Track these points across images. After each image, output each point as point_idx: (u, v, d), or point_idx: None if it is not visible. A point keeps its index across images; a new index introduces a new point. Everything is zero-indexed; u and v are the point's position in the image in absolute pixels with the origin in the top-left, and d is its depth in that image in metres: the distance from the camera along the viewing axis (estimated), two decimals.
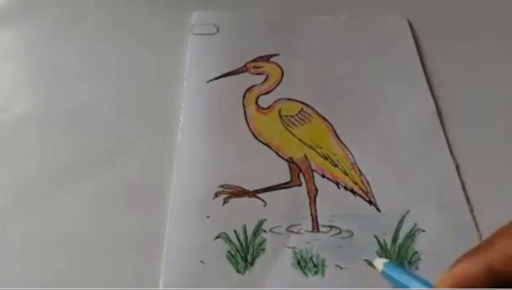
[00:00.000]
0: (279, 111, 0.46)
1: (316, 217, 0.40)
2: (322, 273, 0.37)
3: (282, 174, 0.43)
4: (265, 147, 0.44)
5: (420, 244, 0.39)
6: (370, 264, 0.37)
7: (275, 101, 0.47)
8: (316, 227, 0.40)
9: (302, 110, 0.46)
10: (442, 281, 0.25)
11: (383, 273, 0.30)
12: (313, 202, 0.41)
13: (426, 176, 0.42)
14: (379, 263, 0.30)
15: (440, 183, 0.42)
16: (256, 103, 0.47)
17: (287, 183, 0.42)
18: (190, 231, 0.39)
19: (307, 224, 0.40)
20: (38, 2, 0.57)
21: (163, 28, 0.54)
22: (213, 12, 0.55)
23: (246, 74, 0.49)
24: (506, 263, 0.23)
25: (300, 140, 0.45)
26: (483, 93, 0.49)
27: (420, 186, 0.42)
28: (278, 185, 0.42)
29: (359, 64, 0.51)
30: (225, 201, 0.41)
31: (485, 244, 0.24)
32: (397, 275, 0.29)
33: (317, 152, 0.44)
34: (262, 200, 0.41)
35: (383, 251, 0.38)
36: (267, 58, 0.51)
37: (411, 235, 0.39)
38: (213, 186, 0.41)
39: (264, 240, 0.39)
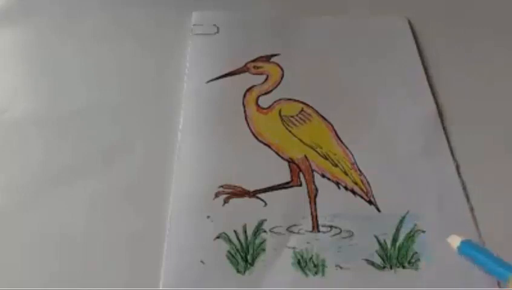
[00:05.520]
0: (280, 111, 0.46)
1: (316, 217, 0.40)
2: (323, 273, 0.37)
3: (282, 174, 0.43)
4: (266, 147, 0.44)
5: (420, 244, 0.39)
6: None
7: (275, 101, 0.47)
8: (316, 227, 0.40)
9: (302, 110, 0.46)
10: None
11: (459, 250, 0.34)
12: (313, 202, 0.41)
13: (426, 176, 0.42)
14: (455, 240, 0.34)
15: (441, 184, 0.42)
16: (257, 103, 0.47)
17: (287, 183, 0.42)
18: (190, 231, 0.39)
19: (307, 224, 0.40)
20: (38, 2, 0.57)
21: (163, 28, 0.54)
22: (213, 12, 0.55)
23: (246, 74, 0.49)
24: None
25: (300, 140, 0.45)
26: (483, 93, 0.49)
27: (420, 186, 0.42)
28: (278, 185, 0.42)
29: (359, 64, 0.51)
30: (225, 201, 0.41)
31: None
32: (474, 255, 0.33)
33: (317, 152, 0.44)
34: (262, 200, 0.41)
35: (383, 251, 0.38)
36: (267, 58, 0.51)
37: (411, 236, 0.39)
38: (213, 186, 0.41)
39: (264, 240, 0.39)
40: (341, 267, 0.37)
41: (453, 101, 0.48)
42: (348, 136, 0.45)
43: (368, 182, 0.42)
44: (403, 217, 0.40)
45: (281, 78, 0.49)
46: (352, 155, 0.44)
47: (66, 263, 0.37)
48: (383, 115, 0.47)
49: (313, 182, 0.42)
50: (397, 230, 0.39)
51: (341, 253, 0.38)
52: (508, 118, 0.47)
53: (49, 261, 0.38)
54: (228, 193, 0.41)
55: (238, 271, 0.37)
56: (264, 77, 0.49)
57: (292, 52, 0.52)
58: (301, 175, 0.43)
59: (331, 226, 0.40)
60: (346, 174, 0.43)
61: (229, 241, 0.38)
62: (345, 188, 0.42)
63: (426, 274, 0.37)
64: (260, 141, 0.45)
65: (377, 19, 0.55)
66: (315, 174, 0.43)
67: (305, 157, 0.44)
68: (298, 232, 0.39)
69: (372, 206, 0.41)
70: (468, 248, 0.34)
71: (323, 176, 0.43)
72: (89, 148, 0.44)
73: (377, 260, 0.38)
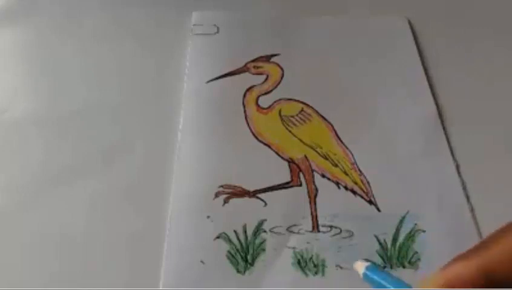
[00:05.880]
0: (280, 111, 0.46)
1: (316, 217, 0.40)
2: (323, 274, 0.37)
3: (282, 174, 0.43)
4: (266, 147, 0.44)
5: (420, 244, 0.39)
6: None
7: (275, 101, 0.47)
8: (316, 227, 0.40)
9: (302, 110, 0.46)
10: (435, 281, 0.24)
11: (365, 276, 0.28)
12: (313, 202, 0.41)
13: (426, 176, 0.42)
14: (360, 265, 0.29)
15: (441, 183, 0.42)
16: (257, 103, 0.47)
17: (287, 183, 0.42)
18: (190, 231, 0.39)
19: (307, 224, 0.40)
20: (38, 2, 0.57)
21: (163, 28, 0.54)
22: (213, 12, 0.55)
23: (246, 74, 0.49)
24: (501, 267, 0.22)
25: (300, 140, 0.45)
26: (483, 93, 0.49)
27: (420, 186, 0.42)
28: (278, 185, 0.42)
29: (359, 64, 0.51)
30: (225, 201, 0.41)
31: (481, 246, 0.23)
32: (380, 278, 0.27)
33: (317, 152, 0.44)
34: (262, 200, 0.41)
35: (383, 251, 0.38)
36: (267, 58, 0.51)
37: (411, 236, 0.39)
38: (213, 186, 0.41)
39: (264, 240, 0.39)
40: (341, 267, 0.37)
41: (453, 101, 0.48)
42: (348, 136, 0.45)
43: (368, 182, 0.42)
44: (403, 217, 0.40)
45: (281, 78, 0.49)
46: (352, 155, 0.44)
47: (66, 263, 0.37)
48: (383, 115, 0.47)
49: (313, 182, 0.42)
50: (397, 230, 0.39)
51: (341, 253, 0.38)
52: (508, 118, 0.47)
53: (49, 261, 0.38)
54: (228, 193, 0.41)
55: (238, 271, 0.37)
56: (264, 77, 0.49)
57: (292, 52, 0.52)
58: (301, 175, 0.43)
59: (331, 226, 0.40)
60: (346, 174, 0.43)
61: (229, 241, 0.38)
62: (345, 188, 0.42)
63: (426, 274, 0.37)
64: (260, 141, 0.45)
65: (377, 19, 0.55)
66: (315, 174, 0.43)
67: (305, 157, 0.44)
68: (298, 232, 0.39)
69: (372, 206, 0.41)
70: (371, 274, 0.28)
71: (323, 176, 0.43)
72: (89, 148, 0.44)
73: (378, 260, 0.38)
